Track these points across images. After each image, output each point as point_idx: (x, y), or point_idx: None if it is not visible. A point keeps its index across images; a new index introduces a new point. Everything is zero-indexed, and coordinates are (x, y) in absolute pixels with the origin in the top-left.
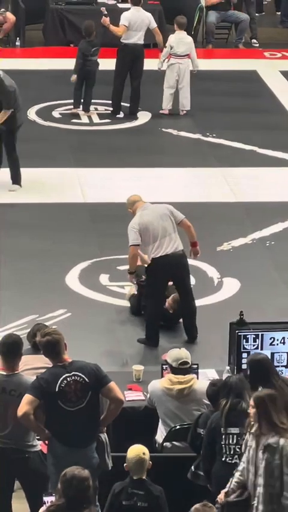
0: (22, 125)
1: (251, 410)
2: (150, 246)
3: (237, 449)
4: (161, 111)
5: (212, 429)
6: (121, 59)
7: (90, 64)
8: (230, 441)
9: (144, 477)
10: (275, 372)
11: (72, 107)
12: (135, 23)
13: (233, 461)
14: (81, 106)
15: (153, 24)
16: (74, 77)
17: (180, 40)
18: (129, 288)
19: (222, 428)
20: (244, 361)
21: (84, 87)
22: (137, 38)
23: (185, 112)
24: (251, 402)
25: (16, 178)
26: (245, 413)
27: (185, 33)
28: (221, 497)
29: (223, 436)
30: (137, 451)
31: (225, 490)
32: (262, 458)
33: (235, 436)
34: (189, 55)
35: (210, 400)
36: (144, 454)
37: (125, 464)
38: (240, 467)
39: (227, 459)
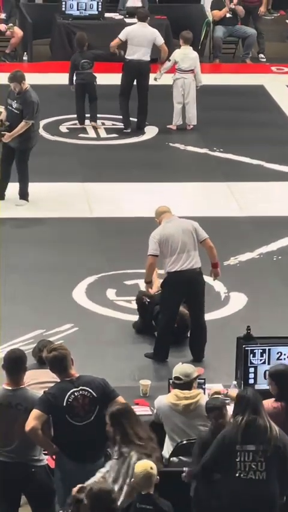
0: (36, 144)
1: None
2: (167, 259)
3: (253, 466)
4: (169, 126)
5: (226, 445)
6: (125, 75)
7: (83, 77)
8: (246, 458)
9: (151, 492)
10: None
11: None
12: (135, 38)
13: (248, 477)
14: (86, 121)
15: (159, 41)
16: (71, 88)
17: (185, 55)
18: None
19: (237, 446)
20: (251, 375)
21: (88, 102)
22: (141, 54)
23: (191, 127)
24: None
25: (24, 194)
26: (262, 430)
27: (190, 48)
28: None
29: (238, 453)
30: (144, 465)
31: None
32: None
33: (251, 453)
34: (194, 70)
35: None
36: (151, 468)
37: (132, 480)
38: None
39: (241, 475)
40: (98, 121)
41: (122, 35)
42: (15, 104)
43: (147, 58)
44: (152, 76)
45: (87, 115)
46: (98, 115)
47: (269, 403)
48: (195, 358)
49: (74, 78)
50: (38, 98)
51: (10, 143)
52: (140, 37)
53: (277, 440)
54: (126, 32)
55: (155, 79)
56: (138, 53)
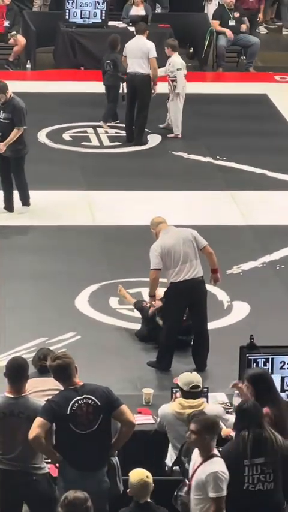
0: (27, 153)
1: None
2: (171, 270)
3: (261, 478)
4: (173, 136)
5: (231, 460)
6: (126, 88)
7: (107, 78)
8: (254, 472)
9: (149, 500)
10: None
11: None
12: (132, 51)
13: (256, 488)
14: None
15: (152, 54)
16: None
17: (183, 62)
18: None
19: (246, 460)
20: None
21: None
22: (137, 67)
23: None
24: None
25: (25, 200)
26: (269, 442)
27: (176, 54)
28: None
29: (246, 468)
30: (140, 475)
31: None
32: None
33: (259, 466)
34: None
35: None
36: (147, 477)
37: (128, 490)
38: None
39: (250, 487)
40: (107, 123)
41: (124, 51)
42: (3, 114)
43: (145, 71)
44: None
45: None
46: (101, 123)
47: None
48: (198, 367)
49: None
50: (24, 102)
51: (4, 154)
52: (135, 49)
53: (283, 450)
54: (125, 47)
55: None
56: (134, 65)
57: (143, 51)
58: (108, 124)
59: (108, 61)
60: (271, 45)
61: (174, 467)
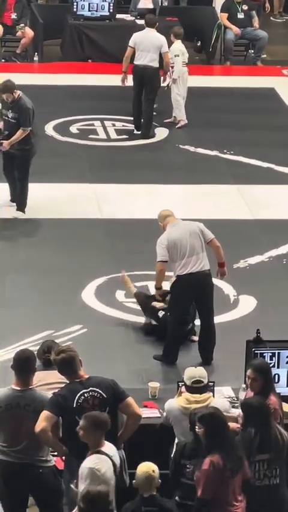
0: (36, 153)
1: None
2: (177, 263)
3: (268, 473)
4: (180, 126)
5: None
6: (133, 80)
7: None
8: (261, 467)
9: (154, 493)
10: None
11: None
12: (142, 43)
13: (262, 484)
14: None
15: (165, 49)
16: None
17: (183, 49)
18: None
19: (252, 457)
20: None
21: None
22: (147, 60)
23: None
24: None
25: (21, 205)
26: (274, 438)
27: (180, 41)
28: None
29: (253, 464)
30: (146, 468)
31: None
32: None
33: (266, 462)
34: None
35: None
36: (153, 471)
37: (133, 481)
38: None
39: (256, 483)
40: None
41: (131, 42)
42: (11, 114)
43: (155, 64)
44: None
45: None
46: (110, 116)
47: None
48: (204, 361)
49: None
50: (32, 103)
51: (11, 151)
52: (146, 42)
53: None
54: (133, 38)
55: (166, 87)
56: (144, 58)
57: (156, 45)
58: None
59: (144, 52)
60: (279, 39)
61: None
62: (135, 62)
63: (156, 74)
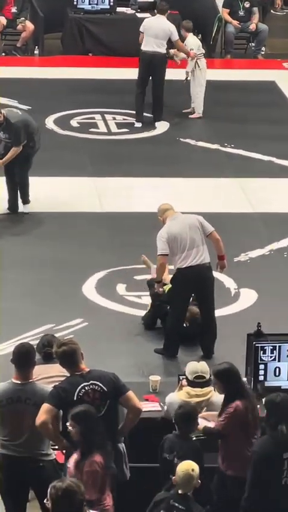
0: (39, 148)
1: None
2: (177, 256)
3: None
4: (195, 116)
5: (265, 458)
6: (140, 67)
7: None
8: None
9: (189, 493)
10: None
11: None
12: (151, 29)
13: None
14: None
15: (175, 36)
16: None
17: (197, 42)
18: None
19: (285, 453)
20: (261, 372)
21: None
22: (156, 46)
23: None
24: None
25: (24, 198)
26: None
27: (191, 34)
28: None
29: (286, 461)
30: (187, 466)
31: None
32: None
33: None
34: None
35: (177, 423)
36: (193, 470)
37: (173, 477)
38: None
39: (284, 481)
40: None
41: (141, 27)
42: (3, 135)
43: (163, 50)
44: (171, 71)
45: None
46: (111, 109)
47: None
48: (205, 354)
49: None
50: (21, 117)
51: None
52: (156, 29)
53: None
54: (143, 24)
55: (186, 80)
56: (153, 44)
57: (166, 33)
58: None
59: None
60: (280, 32)
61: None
62: (143, 48)
63: (164, 60)
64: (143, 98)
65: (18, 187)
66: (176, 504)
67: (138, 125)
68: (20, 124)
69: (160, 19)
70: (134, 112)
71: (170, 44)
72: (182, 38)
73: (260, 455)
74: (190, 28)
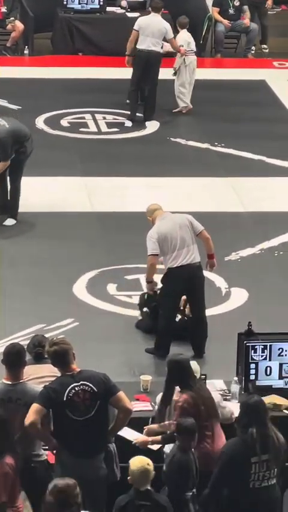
0: (32, 152)
1: None
2: (168, 255)
3: (266, 474)
4: (183, 111)
5: (237, 461)
6: (135, 65)
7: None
8: (261, 469)
9: (149, 488)
10: (192, 374)
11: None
12: (147, 27)
13: (262, 485)
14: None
15: (170, 35)
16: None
17: (189, 38)
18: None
19: (254, 458)
20: (252, 371)
21: None
22: (151, 44)
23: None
24: None
25: (13, 212)
26: (271, 439)
27: (185, 31)
28: None
29: (253, 465)
30: (141, 462)
31: None
32: None
33: (265, 463)
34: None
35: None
36: (148, 464)
37: (128, 477)
38: None
39: (256, 484)
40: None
41: (136, 25)
42: None
43: (158, 49)
44: (164, 71)
45: None
46: (101, 109)
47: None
48: (196, 353)
49: None
50: (9, 129)
51: None
52: (151, 27)
53: (284, 446)
54: (138, 22)
55: (173, 74)
56: (148, 42)
57: (161, 31)
58: (100, 115)
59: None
60: (270, 31)
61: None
62: (139, 47)
63: (159, 58)
64: (137, 97)
65: (9, 197)
66: (142, 502)
67: (128, 124)
68: (8, 138)
69: (155, 17)
70: (129, 110)
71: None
72: (176, 34)
73: (228, 457)
74: (183, 24)
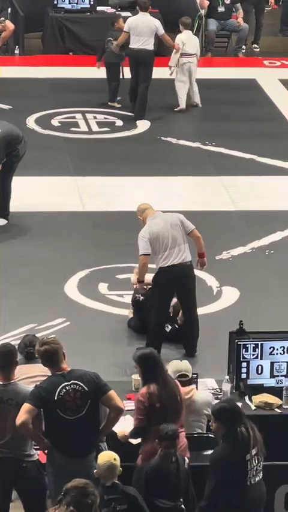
0: (24, 154)
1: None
2: (159, 255)
3: (258, 467)
4: (178, 109)
5: (227, 464)
6: (129, 63)
7: (106, 55)
8: (254, 463)
9: (116, 481)
10: (159, 369)
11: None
12: (137, 27)
13: (256, 480)
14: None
15: (160, 31)
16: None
17: (189, 39)
18: (129, 311)
19: (248, 455)
20: (244, 370)
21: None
22: (143, 43)
23: (199, 104)
24: None
25: (4, 212)
26: (253, 434)
27: (190, 32)
28: None
29: (248, 463)
30: (108, 457)
31: None
32: None
33: (255, 456)
34: (196, 54)
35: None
36: (115, 459)
37: (94, 471)
38: None
39: (252, 481)
40: (112, 103)
41: (126, 27)
42: None
43: (150, 47)
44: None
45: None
46: (92, 108)
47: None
48: (188, 353)
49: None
50: (0, 134)
51: None
52: (142, 27)
53: (260, 436)
54: (128, 23)
55: (170, 74)
56: (139, 42)
57: (151, 29)
58: (117, 103)
59: (110, 39)
60: (265, 30)
61: None
62: (131, 46)
63: (151, 56)
64: (136, 93)
65: (1, 197)
66: (111, 496)
67: (119, 123)
68: (0, 144)
69: (144, 17)
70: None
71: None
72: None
73: (222, 463)
74: (186, 25)
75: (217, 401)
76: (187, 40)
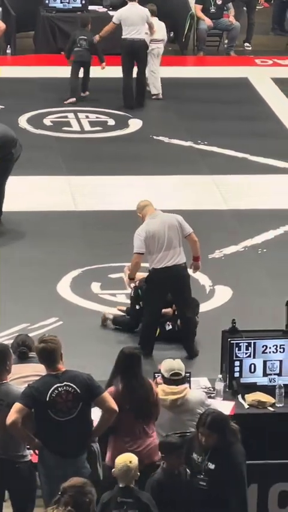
0: (19, 156)
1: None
2: (154, 255)
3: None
4: (156, 97)
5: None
6: (123, 54)
7: (81, 54)
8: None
9: (132, 485)
10: (135, 370)
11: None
12: (128, 17)
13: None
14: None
15: (149, 20)
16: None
17: (158, 26)
18: (104, 313)
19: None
20: (237, 369)
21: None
22: (136, 33)
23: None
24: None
25: None
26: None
27: (156, 18)
28: None
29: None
30: (124, 458)
31: None
32: None
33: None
34: (164, 40)
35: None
36: (130, 462)
37: (112, 470)
38: None
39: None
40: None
41: (115, 19)
42: None
43: (142, 36)
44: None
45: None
46: (84, 108)
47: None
48: (188, 353)
49: (73, 54)
50: None
51: None
52: (133, 17)
53: None
54: (118, 15)
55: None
56: (132, 32)
57: (142, 17)
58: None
59: (84, 37)
60: (257, 29)
61: None
62: (124, 37)
63: (145, 45)
64: (131, 85)
65: None
66: (124, 499)
67: (111, 122)
68: None
69: (133, 7)
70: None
71: None
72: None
73: (243, 459)
74: (153, 11)
75: (211, 400)
76: (157, 28)
